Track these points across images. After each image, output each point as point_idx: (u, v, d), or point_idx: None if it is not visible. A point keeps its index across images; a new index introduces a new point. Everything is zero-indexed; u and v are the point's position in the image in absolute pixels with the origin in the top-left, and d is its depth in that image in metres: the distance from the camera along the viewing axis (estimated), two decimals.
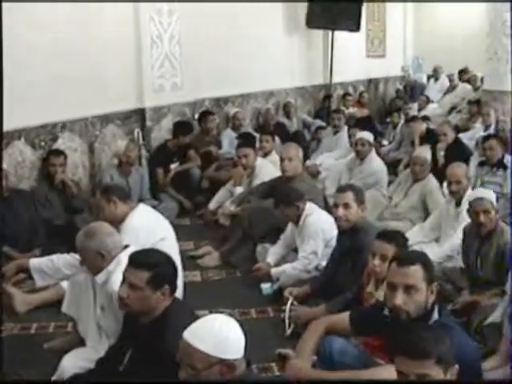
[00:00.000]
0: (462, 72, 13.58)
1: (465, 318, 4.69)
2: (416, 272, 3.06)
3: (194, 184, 7.85)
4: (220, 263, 6.06)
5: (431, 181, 6.46)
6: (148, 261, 3.15)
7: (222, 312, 2.72)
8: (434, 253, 5.40)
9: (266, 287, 5.29)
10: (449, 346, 2.54)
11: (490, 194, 4.92)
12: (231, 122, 9.16)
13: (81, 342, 3.98)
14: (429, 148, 7.09)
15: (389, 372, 2.95)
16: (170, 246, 4.73)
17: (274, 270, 5.38)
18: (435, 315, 3.10)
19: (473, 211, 4.83)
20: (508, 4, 10.13)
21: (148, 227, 4.71)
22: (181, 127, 7.87)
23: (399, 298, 3.05)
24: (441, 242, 5.69)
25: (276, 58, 10.39)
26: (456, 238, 5.34)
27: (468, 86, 12.70)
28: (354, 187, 4.91)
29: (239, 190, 6.96)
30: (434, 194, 6.33)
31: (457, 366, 2.55)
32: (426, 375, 2.45)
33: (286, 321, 4.60)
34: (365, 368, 3.32)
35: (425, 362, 2.45)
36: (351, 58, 12.59)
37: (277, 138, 8.73)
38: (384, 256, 3.78)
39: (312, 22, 10.82)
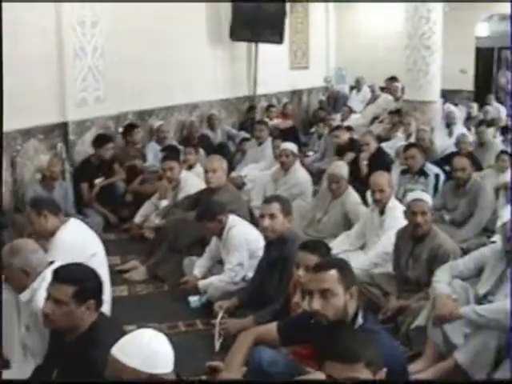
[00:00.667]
0: (392, 79, 13.83)
1: (393, 323, 4.82)
2: (331, 276, 3.12)
3: (118, 198, 7.77)
4: (147, 277, 6.00)
5: (349, 196, 6.48)
6: (72, 275, 3.10)
7: (150, 326, 2.69)
8: (359, 260, 5.52)
9: (193, 300, 5.28)
10: (377, 350, 2.59)
11: (426, 196, 5.10)
12: (155, 135, 9.10)
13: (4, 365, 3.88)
14: (345, 162, 7.15)
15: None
16: (101, 261, 4.68)
17: (201, 283, 5.37)
18: (360, 320, 3.16)
19: (410, 212, 4.95)
20: (424, 20, 10.49)
21: (79, 242, 4.63)
22: (100, 140, 7.76)
23: (316, 303, 3.10)
24: (366, 250, 5.80)
25: (200, 71, 10.39)
26: (381, 246, 5.47)
27: (389, 97, 12.97)
28: (280, 198, 4.96)
29: (164, 203, 6.93)
30: (354, 210, 6.38)
31: (385, 369, 2.60)
32: (355, 378, 2.49)
33: (216, 334, 4.61)
34: (295, 377, 3.36)
35: (354, 366, 2.49)
36: (275, 70, 12.68)
37: (201, 151, 8.74)
38: (308, 266, 3.82)
39: (236, 34, 10.89)
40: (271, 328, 3.57)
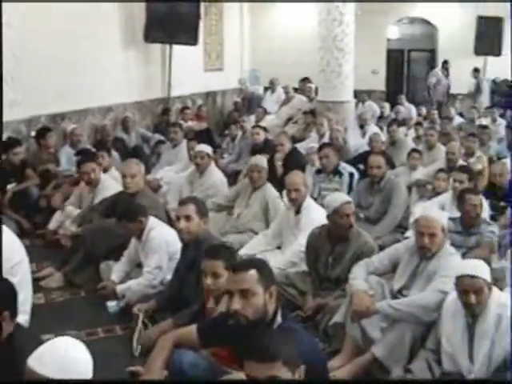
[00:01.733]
0: (305, 80, 13.96)
1: (311, 321, 4.88)
2: (251, 276, 3.12)
3: (32, 203, 7.57)
4: (64, 284, 5.88)
5: (270, 188, 6.59)
6: None
7: (67, 334, 2.64)
8: (277, 260, 5.56)
9: (112, 305, 5.21)
10: (295, 348, 2.61)
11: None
12: (69, 139, 8.93)
13: None
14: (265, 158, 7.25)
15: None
16: (27, 268, 4.54)
17: (119, 288, 5.29)
18: (279, 319, 3.18)
19: (341, 214, 5.01)
20: (336, 22, 10.67)
21: (8, 248, 4.49)
22: (7, 144, 7.53)
23: (236, 303, 3.10)
24: (283, 250, 5.84)
25: (113, 73, 10.26)
26: (297, 245, 5.53)
27: (303, 98, 13.10)
28: (196, 200, 4.94)
29: (70, 209, 6.82)
30: (274, 201, 6.46)
31: (303, 366, 2.63)
32: (275, 377, 2.50)
33: (135, 338, 4.56)
34: (216, 378, 3.36)
35: (273, 365, 2.50)
36: (189, 72, 12.65)
37: (116, 154, 8.63)
38: (215, 273, 3.84)
39: (150, 36, 10.83)
40: (190, 330, 3.55)
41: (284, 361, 2.52)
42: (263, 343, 2.59)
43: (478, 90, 15.08)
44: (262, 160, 6.76)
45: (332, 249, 5.09)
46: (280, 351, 2.54)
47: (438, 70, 15.08)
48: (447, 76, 14.92)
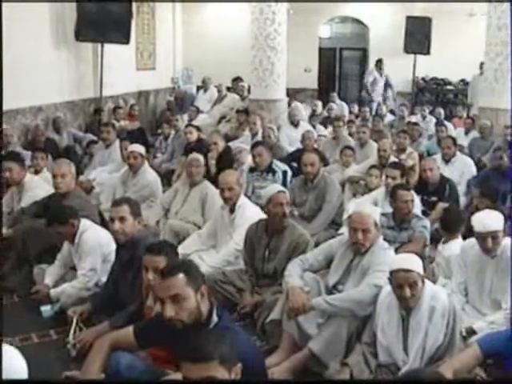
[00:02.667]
0: (237, 79, 13.98)
1: (249, 319, 4.89)
2: (179, 281, 3.11)
3: None
4: None
5: (208, 185, 6.60)
6: None
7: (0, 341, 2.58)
8: (212, 259, 5.57)
9: (46, 309, 5.10)
10: (230, 346, 2.62)
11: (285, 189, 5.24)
12: None
13: None
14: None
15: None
16: None
17: (53, 291, 5.20)
18: (215, 318, 3.19)
19: (275, 203, 5.07)
20: (269, 21, 10.72)
21: None
22: None
23: (169, 310, 3.10)
24: (218, 249, 5.83)
25: (44, 72, 10.05)
26: (232, 243, 5.54)
27: (236, 96, 13.13)
28: (129, 200, 4.89)
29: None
30: (213, 197, 6.43)
31: (240, 365, 2.63)
32: (212, 377, 2.50)
33: (71, 341, 4.49)
34: (154, 379, 3.34)
35: (209, 365, 2.50)
36: (121, 71, 12.51)
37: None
38: (156, 269, 3.81)
39: (81, 34, 10.64)
40: (127, 332, 3.52)
41: (220, 360, 2.53)
42: (198, 344, 2.59)
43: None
44: (199, 157, 6.80)
45: (268, 242, 5.14)
46: (215, 351, 2.54)
47: (373, 68, 15.27)
48: (381, 75, 15.12)
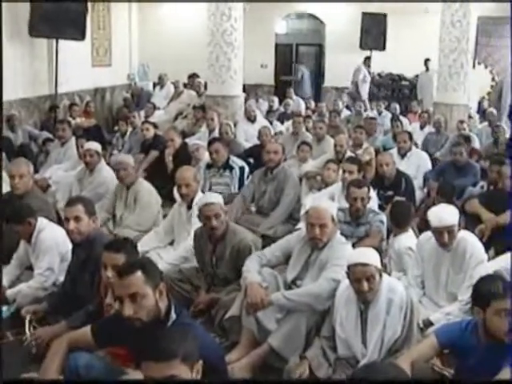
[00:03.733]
0: (194, 76, 13.92)
1: (206, 316, 4.88)
2: (136, 280, 3.11)
3: None
4: None
5: (142, 183, 6.50)
6: None
7: None
8: (170, 256, 5.55)
9: (2, 310, 5.03)
10: (191, 344, 2.61)
11: (219, 198, 5.11)
12: None
13: None
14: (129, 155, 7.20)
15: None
16: None
17: (9, 292, 5.11)
18: (173, 315, 3.18)
19: (203, 216, 4.98)
20: (225, 17, 10.69)
21: None
22: None
23: (128, 309, 3.09)
24: (175, 246, 5.82)
25: None
26: (190, 240, 5.51)
27: (193, 93, 13.07)
28: (83, 199, 4.84)
29: None
30: (142, 195, 6.39)
31: (201, 362, 2.63)
32: (174, 376, 2.49)
33: (26, 342, 4.44)
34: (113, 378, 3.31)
35: (171, 363, 2.49)
36: (77, 68, 12.37)
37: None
38: (115, 266, 3.78)
39: (35, 30, 10.47)
40: (85, 332, 3.50)
41: (182, 358, 2.52)
42: (159, 342, 2.57)
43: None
44: (127, 157, 6.76)
45: (213, 248, 5.10)
46: (177, 349, 2.53)
47: (361, 65, 15.30)
48: (369, 72, 15.18)
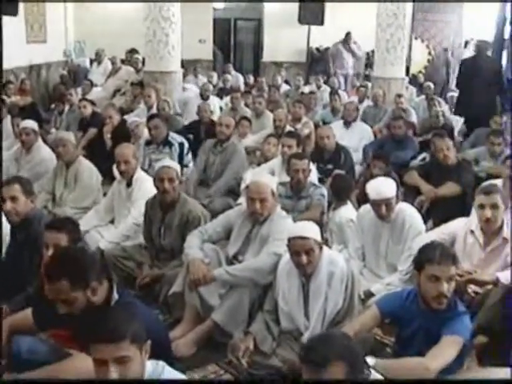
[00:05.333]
0: (132, 51, 13.72)
1: (150, 292, 4.86)
2: (62, 287, 3.04)
3: None
4: None
5: (81, 161, 6.39)
6: None
7: None
8: (111, 234, 5.50)
9: None
10: (139, 324, 2.59)
11: (174, 164, 5.19)
12: None
13: None
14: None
15: (80, 360, 2.94)
16: None
17: None
18: (115, 295, 3.16)
19: (158, 179, 4.98)
20: None
21: None
22: None
23: (62, 309, 3.07)
24: (116, 224, 5.76)
25: None
26: (131, 217, 5.48)
27: (130, 69, 12.88)
28: (21, 179, 4.74)
29: None
30: (82, 174, 6.28)
31: (149, 341, 2.61)
32: (124, 357, 2.47)
33: None
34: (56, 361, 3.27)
35: (120, 344, 2.47)
36: (10, 44, 12.01)
37: None
38: (58, 246, 3.73)
39: None
40: (26, 315, 3.46)
41: (131, 339, 2.50)
42: (107, 324, 2.54)
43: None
44: (67, 134, 6.66)
45: (163, 217, 5.09)
46: (126, 330, 2.51)
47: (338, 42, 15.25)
48: (349, 48, 15.07)
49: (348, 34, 14.84)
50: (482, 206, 4.48)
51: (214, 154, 6.93)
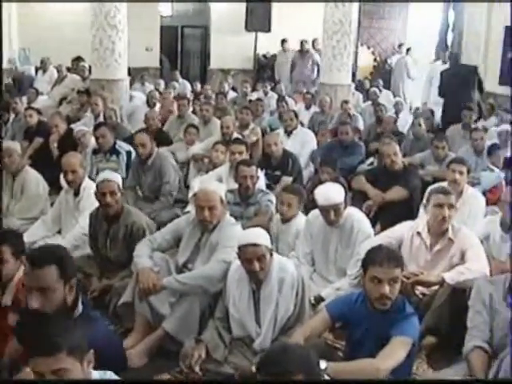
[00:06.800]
0: (78, 59, 13.56)
1: (100, 304, 4.80)
2: (51, 274, 3.03)
3: None
4: None
5: (28, 171, 6.32)
6: None
7: None
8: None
9: None
10: (78, 335, 2.54)
11: (115, 176, 5.10)
12: None
13: None
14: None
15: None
16: None
17: None
18: (80, 308, 3.14)
19: (100, 193, 4.92)
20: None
21: None
22: None
23: (35, 301, 3.01)
24: (64, 234, 5.69)
25: None
26: (78, 227, 5.42)
27: (76, 77, 12.72)
28: None
29: None
30: (29, 184, 6.23)
31: (92, 351, 2.57)
32: (60, 370, 2.42)
33: None
34: None
35: (56, 357, 2.42)
36: None
37: None
38: (1, 259, 3.66)
39: None
40: None
41: (68, 351, 2.45)
42: (43, 336, 2.49)
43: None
44: (12, 143, 6.56)
45: (108, 229, 5.04)
46: (62, 342, 2.46)
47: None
48: (303, 56, 14.94)
49: (284, 42, 14.97)
50: (439, 205, 4.57)
51: (144, 172, 6.72)
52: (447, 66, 11.54)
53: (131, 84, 12.05)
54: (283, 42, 14.98)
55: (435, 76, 11.81)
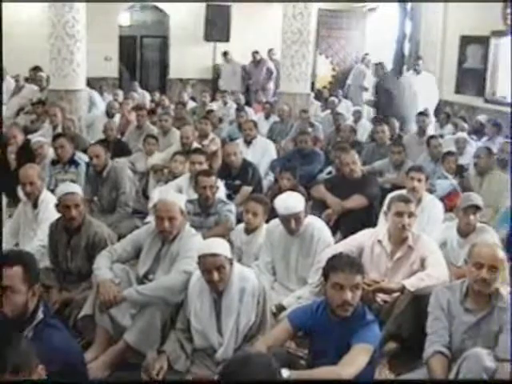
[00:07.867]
0: (36, 69, 13.41)
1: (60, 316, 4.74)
2: (15, 273, 3.00)
3: None
4: None
5: None
6: None
7: None
8: None
9: None
10: (24, 351, 2.45)
11: (77, 188, 5.07)
12: None
13: None
14: None
15: None
16: None
17: None
18: (40, 315, 3.09)
19: (63, 206, 4.87)
20: (67, 8, 10.34)
21: None
22: None
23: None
24: (21, 246, 5.58)
25: None
26: (37, 240, 5.36)
27: (34, 87, 12.61)
28: None
29: None
30: None
31: (41, 366, 2.50)
32: None
33: None
34: None
35: (4, 376, 2.36)
36: None
37: None
38: None
39: None
40: None
41: (12, 369, 2.37)
42: None
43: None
44: None
45: (68, 240, 5.00)
46: (6, 361, 2.37)
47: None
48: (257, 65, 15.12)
49: (226, 54, 15.14)
50: (399, 214, 4.63)
51: (100, 184, 6.71)
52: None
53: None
54: (225, 54, 15.10)
55: None
